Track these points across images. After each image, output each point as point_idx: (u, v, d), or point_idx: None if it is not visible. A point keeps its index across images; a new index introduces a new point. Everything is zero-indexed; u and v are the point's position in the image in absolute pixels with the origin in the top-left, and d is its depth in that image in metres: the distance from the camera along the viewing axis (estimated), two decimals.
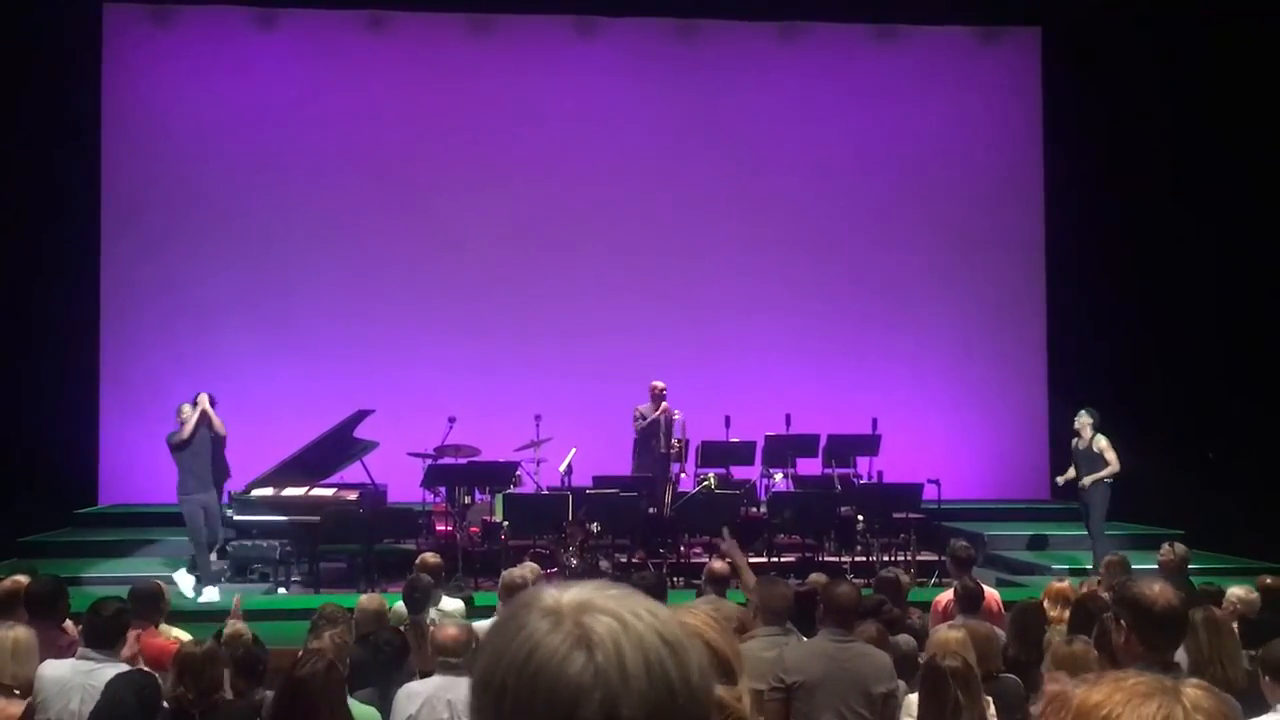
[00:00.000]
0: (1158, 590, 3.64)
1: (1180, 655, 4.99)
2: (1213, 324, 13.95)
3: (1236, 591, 7.54)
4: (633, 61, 16.51)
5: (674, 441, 13.57)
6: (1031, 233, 16.90)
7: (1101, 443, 12.28)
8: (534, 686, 1.14)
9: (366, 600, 7.48)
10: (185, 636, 6.61)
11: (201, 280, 15.57)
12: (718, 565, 7.74)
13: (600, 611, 1.17)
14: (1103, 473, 12.20)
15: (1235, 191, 13.63)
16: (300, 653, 5.75)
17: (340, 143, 15.97)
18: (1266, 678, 4.62)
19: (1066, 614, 7.06)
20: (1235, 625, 6.16)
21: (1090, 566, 11.87)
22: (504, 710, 1.16)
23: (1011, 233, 16.80)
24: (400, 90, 16.08)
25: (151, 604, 6.99)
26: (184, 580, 11.17)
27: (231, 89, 15.91)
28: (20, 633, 5.47)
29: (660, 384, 13.70)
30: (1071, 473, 12.52)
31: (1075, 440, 12.50)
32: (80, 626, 5.98)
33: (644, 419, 13.62)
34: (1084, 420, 12.46)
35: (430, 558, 8.65)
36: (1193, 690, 1.45)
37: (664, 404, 13.60)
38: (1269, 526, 12.28)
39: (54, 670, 5.42)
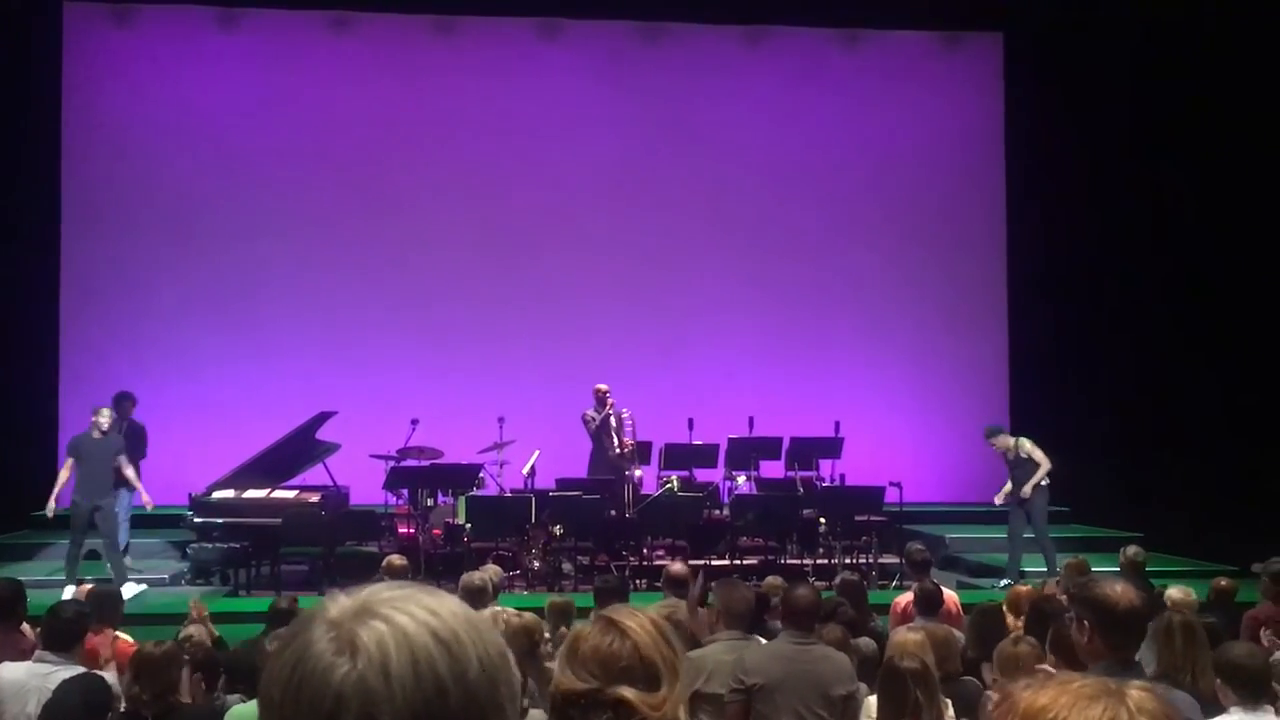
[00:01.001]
0: (1120, 590, 3.66)
1: (1150, 659, 5.03)
2: (1173, 328, 14.03)
3: (1173, 594, 7.54)
4: (598, 64, 16.49)
5: (625, 442, 13.55)
6: (994, 236, 17.01)
7: (1027, 446, 12.37)
8: (298, 698, 1.10)
9: None
10: (128, 639, 6.61)
11: (162, 281, 15.45)
12: (676, 568, 7.74)
13: (374, 615, 1.13)
14: (1038, 475, 12.28)
15: (1197, 195, 13.74)
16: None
17: (302, 143, 15.90)
18: (1218, 680, 4.65)
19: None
20: None
21: (1041, 569, 11.96)
22: None
23: (974, 236, 16.91)
24: (363, 91, 16.01)
25: (111, 606, 6.95)
26: (129, 590, 11.00)
27: (193, 89, 15.79)
28: None
29: (603, 386, 13.67)
30: (1009, 486, 12.55)
31: (1005, 456, 12.57)
32: (39, 629, 5.94)
33: (594, 420, 13.60)
34: (1002, 440, 12.57)
35: (396, 560, 8.62)
36: (1137, 692, 1.46)
37: (610, 403, 13.59)
38: (1226, 530, 12.38)
39: (10, 673, 5.38)
